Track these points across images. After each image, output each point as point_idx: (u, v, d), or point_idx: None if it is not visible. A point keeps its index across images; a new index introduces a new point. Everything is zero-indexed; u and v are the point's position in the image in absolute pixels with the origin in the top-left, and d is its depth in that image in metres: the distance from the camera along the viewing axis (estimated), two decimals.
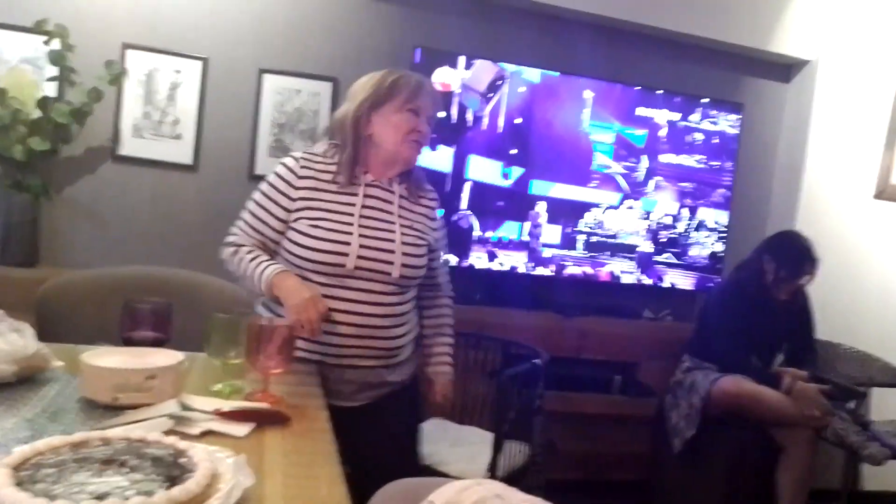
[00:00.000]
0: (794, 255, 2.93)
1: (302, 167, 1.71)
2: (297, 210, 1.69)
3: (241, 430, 1.18)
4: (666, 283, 3.39)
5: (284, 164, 1.73)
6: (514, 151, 3.17)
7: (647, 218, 3.36)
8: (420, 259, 1.75)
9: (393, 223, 1.72)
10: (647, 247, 3.36)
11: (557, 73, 3.21)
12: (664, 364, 3.17)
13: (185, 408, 1.21)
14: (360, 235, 1.65)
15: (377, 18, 3.16)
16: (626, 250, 3.34)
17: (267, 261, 1.67)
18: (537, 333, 2.88)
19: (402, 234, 1.72)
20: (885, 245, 3.66)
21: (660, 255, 3.39)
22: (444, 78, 3.06)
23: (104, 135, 2.91)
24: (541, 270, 3.23)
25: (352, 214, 1.68)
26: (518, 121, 3.17)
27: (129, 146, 2.93)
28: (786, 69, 3.67)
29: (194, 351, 1.53)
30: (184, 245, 3.01)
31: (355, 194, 1.71)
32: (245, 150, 3.06)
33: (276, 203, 1.70)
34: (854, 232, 3.61)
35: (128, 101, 2.91)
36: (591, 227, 3.28)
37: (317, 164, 1.72)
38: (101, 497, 0.79)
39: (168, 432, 1.07)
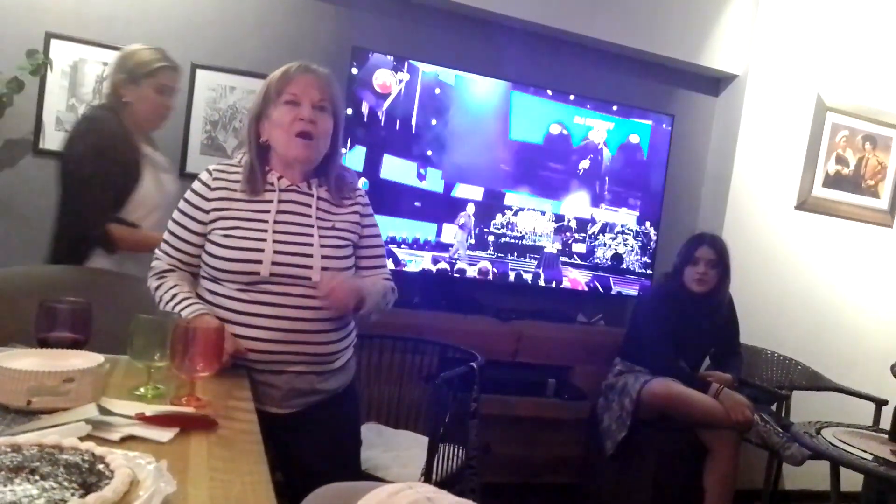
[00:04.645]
0: (685, 242, 3.14)
1: (215, 179, 1.69)
2: (212, 222, 1.66)
3: (164, 435, 1.13)
4: (565, 284, 3.43)
5: (199, 179, 1.71)
6: (429, 153, 3.17)
7: (559, 220, 3.40)
8: (343, 261, 1.71)
9: (311, 226, 1.68)
10: (553, 248, 3.40)
11: (490, 78, 3.25)
12: (597, 367, 3.24)
13: (105, 412, 1.16)
14: (275, 241, 1.62)
15: (315, 16, 3.11)
16: (534, 251, 3.38)
17: (186, 299, 1.63)
18: (474, 337, 2.88)
19: (321, 235, 1.68)
20: (806, 254, 3.82)
21: (567, 256, 3.43)
22: (384, 79, 3.05)
23: (25, 127, 2.78)
24: (442, 265, 3.22)
25: (266, 221, 1.65)
26: (434, 122, 3.17)
27: (52, 140, 2.79)
28: (715, 83, 3.80)
29: (118, 354, 1.47)
30: None
31: (270, 201, 1.67)
32: (176, 147, 2.96)
33: (191, 218, 1.68)
34: (777, 241, 3.75)
35: (51, 93, 2.78)
36: (498, 229, 3.31)
37: (231, 175, 1.70)
38: None
39: (85, 438, 1.01)
